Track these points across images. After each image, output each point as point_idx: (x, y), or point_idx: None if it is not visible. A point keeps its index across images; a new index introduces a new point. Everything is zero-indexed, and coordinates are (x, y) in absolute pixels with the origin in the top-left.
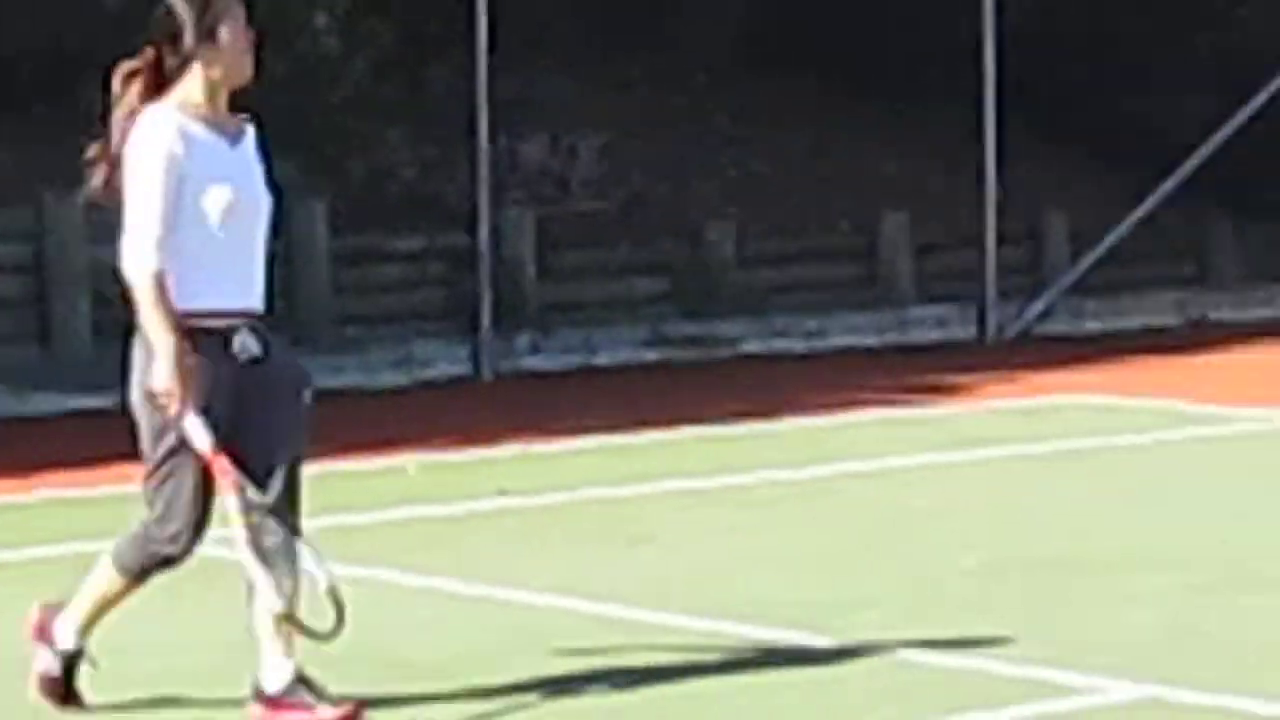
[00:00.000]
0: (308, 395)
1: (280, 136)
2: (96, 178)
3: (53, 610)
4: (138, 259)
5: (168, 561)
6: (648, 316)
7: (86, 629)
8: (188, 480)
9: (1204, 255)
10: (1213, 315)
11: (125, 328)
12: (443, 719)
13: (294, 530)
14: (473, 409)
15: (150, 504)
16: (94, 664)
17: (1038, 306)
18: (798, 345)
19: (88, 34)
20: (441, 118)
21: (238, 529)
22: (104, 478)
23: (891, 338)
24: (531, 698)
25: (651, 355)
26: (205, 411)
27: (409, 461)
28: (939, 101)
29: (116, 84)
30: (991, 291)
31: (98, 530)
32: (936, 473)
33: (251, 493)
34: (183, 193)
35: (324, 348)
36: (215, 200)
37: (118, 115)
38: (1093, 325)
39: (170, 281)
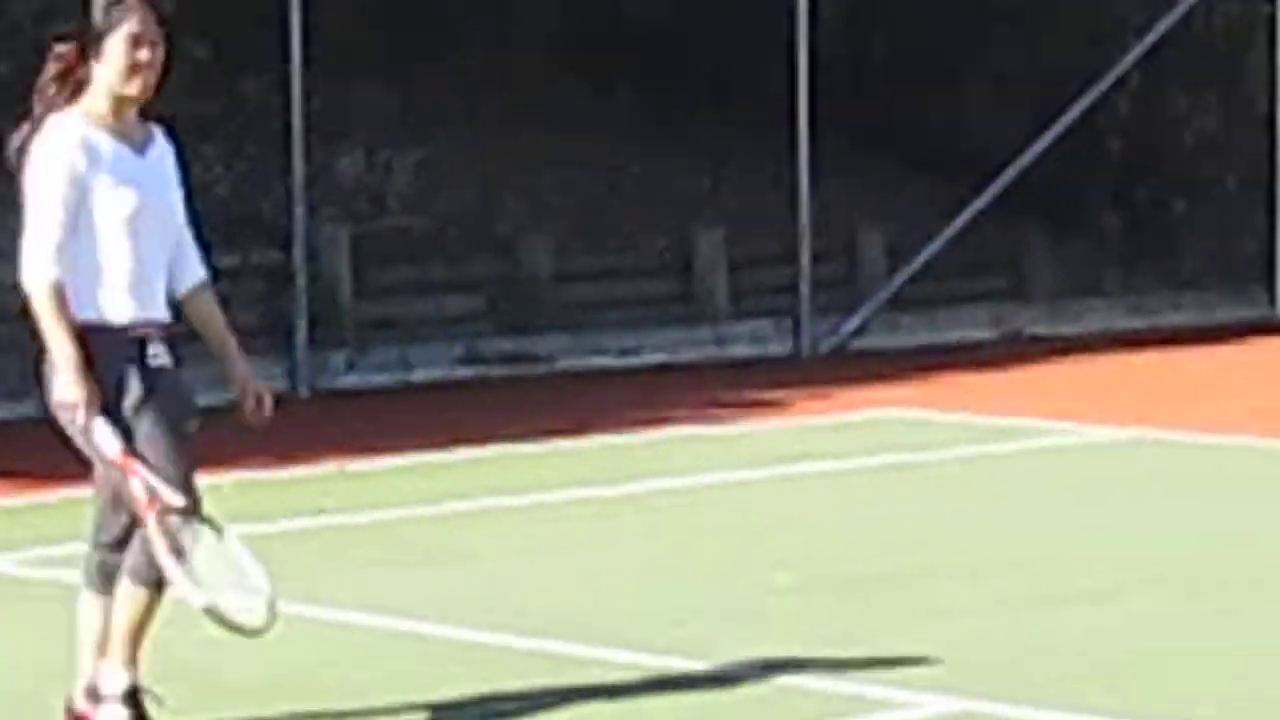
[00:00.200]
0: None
1: None
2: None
3: (88, 692)
4: (36, 269)
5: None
6: (463, 333)
7: (132, 662)
8: (154, 451)
9: (1019, 270)
10: (1028, 330)
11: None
12: None
13: (221, 527)
14: (289, 427)
15: (128, 505)
16: (158, 699)
17: (853, 322)
18: (613, 362)
19: None
20: (256, 133)
21: (151, 529)
22: None
23: (707, 353)
24: (343, 718)
25: (467, 372)
26: (114, 418)
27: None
28: (754, 117)
29: (50, 66)
30: (807, 307)
31: None
32: (751, 489)
33: (167, 495)
34: (87, 203)
35: None
36: (120, 209)
37: (37, 108)
38: (908, 340)
39: (72, 292)
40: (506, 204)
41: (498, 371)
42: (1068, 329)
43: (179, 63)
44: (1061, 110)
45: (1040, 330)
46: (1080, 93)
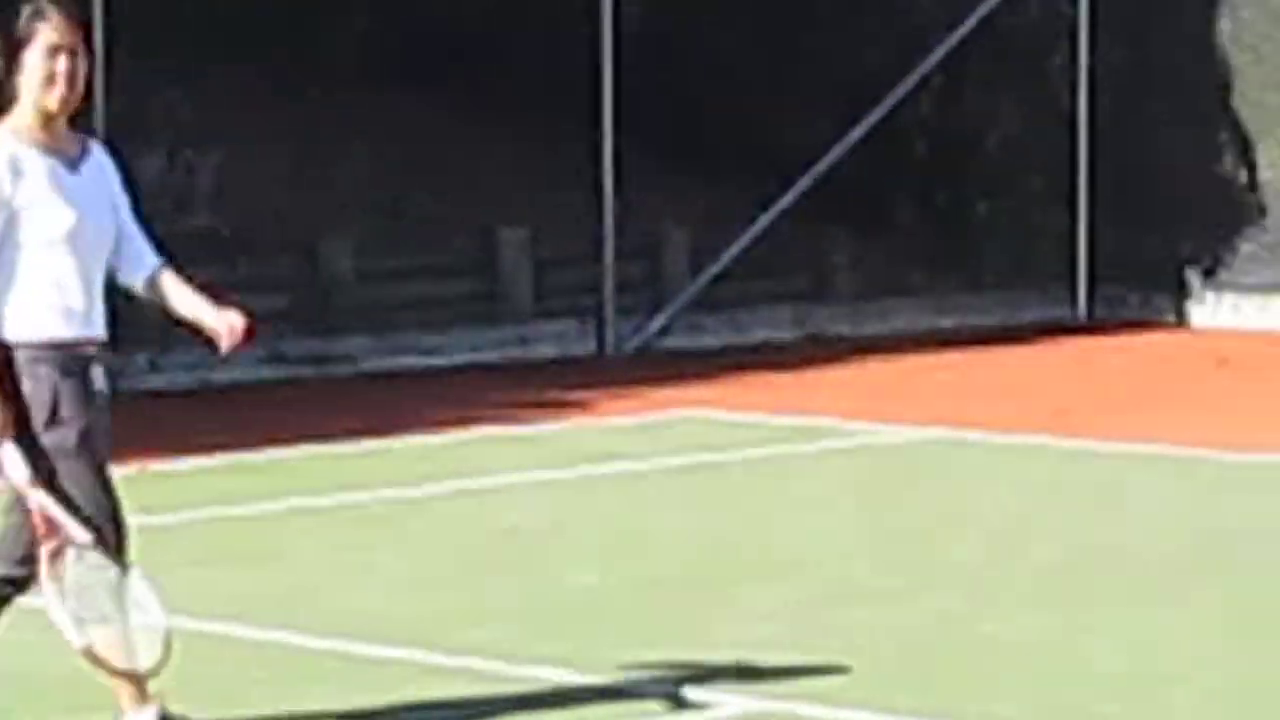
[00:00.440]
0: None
1: None
2: None
3: None
4: None
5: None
6: (266, 334)
7: (141, 696)
8: (85, 479)
9: (822, 270)
10: (830, 330)
11: None
12: None
13: (125, 567)
14: None
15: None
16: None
17: (657, 322)
18: (417, 362)
19: None
20: None
21: (43, 566)
22: None
23: (511, 354)
24: None
25: (271, 373)
26: (46, 432)
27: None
28: (558, 117)
29: None
30: (611, 307)
31: None
32: (554, 489)
33: (70, 529)
34: (18, 222)
35: None
36: (55, 227)
37: None
38: (711, 340)
39: (9, 311)
40: (309, 204)
41: (301, 372)
42: (870, 329)
43: None
44: (865, 111)
45: (843, 330)
46: (884, 94)
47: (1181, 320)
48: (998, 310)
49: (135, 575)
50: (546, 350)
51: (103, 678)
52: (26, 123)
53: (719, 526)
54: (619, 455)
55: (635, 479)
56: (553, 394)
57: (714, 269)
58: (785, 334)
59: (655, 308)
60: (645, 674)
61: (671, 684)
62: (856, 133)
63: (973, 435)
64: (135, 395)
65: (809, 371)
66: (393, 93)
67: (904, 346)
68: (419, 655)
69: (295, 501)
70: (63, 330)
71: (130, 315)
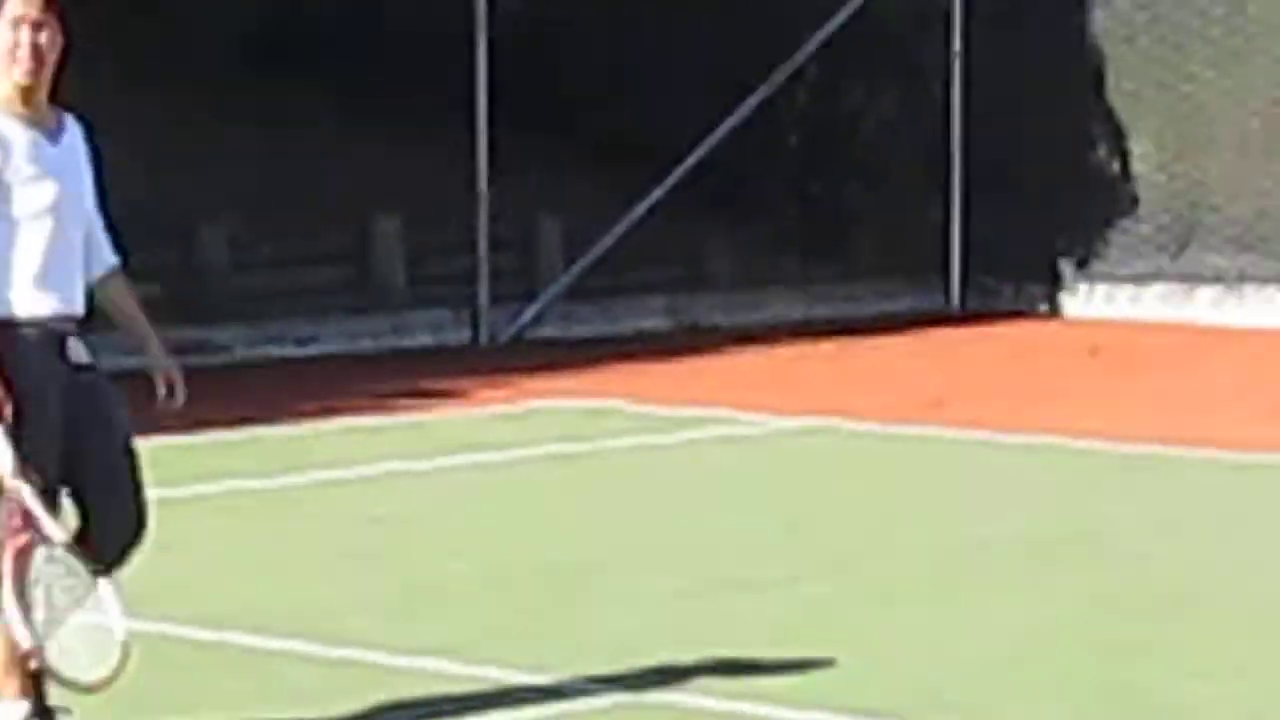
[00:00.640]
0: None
1: None
2: None
3: None
4: None
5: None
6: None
7: (26, 688)
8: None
9: (696, 260)
10: (704, 319)
11: None
12: None
13: (100, 571)
14: None
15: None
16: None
17: (530, 312)
18: (291, 351)
19: None
20: None
21: (6, 557)
22: None
23: (385, 343)
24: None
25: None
26: (43, 415)
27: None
28: (432, 106)
29: None
30: (485, 297)
31: None
32: (429, 479)
33: (47, 526)
34: (4, 195)
35: None
36: (38, 199)
37: None
38: (586, 330)
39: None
40: (182, 193)
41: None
42: (745, 319)
43: None
44: (740, 101)
45: (717, 320)
46: (759, 83)
47: (1055, 310)
48: (872, 300)
49: (103, 583)
50: (421, 339)
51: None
52: (5, 94)
53: (593, 516)
54: (493, 444)
55: (509, 468)
56: (427, 383)
57: (588, 259)
58: (659, 323)
59: (529, 297)
60: (519, 663)
61: (543, 673)
62: (731, 122)
63: (847, 425)
64: None
65: (683, 361)
66: (267, 81)
67: (778, 336)
68: (298, 646)
69: (165, 492)
70: (46, 305)
71: None
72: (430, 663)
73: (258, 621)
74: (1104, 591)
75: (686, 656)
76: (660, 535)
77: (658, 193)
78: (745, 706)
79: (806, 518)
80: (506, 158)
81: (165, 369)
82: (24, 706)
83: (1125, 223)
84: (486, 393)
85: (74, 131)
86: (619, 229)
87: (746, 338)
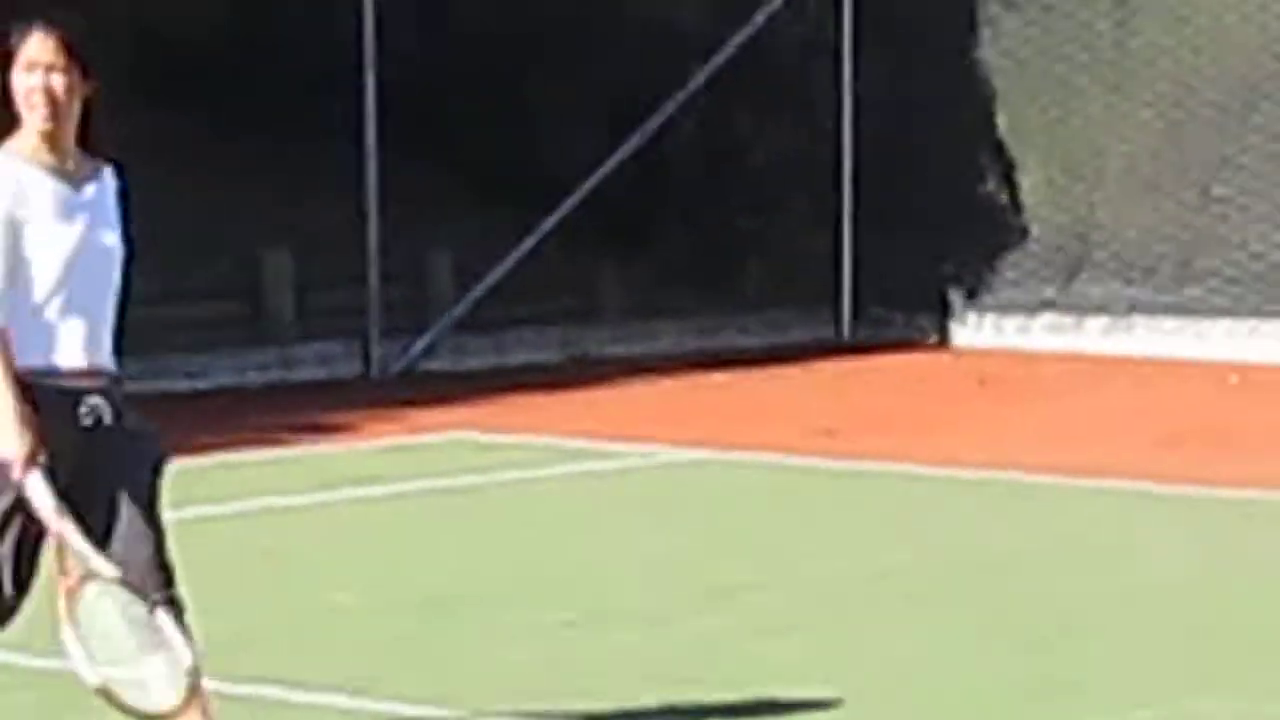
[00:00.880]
0: (160, 462)
1: None
2: None
3: None
4: None
5: None
6: None
7: None
8: (9, 538)
9: (588, 291)
10: (596, 351)
11: None
12: None
13: (157, 602)
14: None
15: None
16: None
17: (421, 344)
18: (180, 385)
19: None
20: None
21: (60, 600)
22: None
23: (276, 376)
24: None
25: None
26: (49, 475)
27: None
28: (322, 137)
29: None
30: (375, 329)
31: None
32: (318, 511)
33: (95, 562)
34: (22, 243)
35: None
36: (57, 251)
37: None
38: (477, 362)
39: (12, 339)
40: None
41: None
42: (637, 350)
43: None
44: (632, 132)
45: (609, 351)
46: (651, 114)
47: (944, 341)
48: (763, 331)
49: (160, 614)
50: (311, 372)
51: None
52: (31, 144)
53: (484, 548)
54: (384, 477)
55: (400, 501)
56: (317, 416)
57: (479, 291)
58: (551, 355)
59: (420, 330)
60: (413, 696)
61: (439, 706)
62: (621, 153)
63: (739, 456)
64: None
65: (575, 393)
66: (154, 113)
67: (670, 368)
68: None
69: None
70: (66, 359)
71: None
72: (325, 697)
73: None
74: (996, 622)
75: (577, 689)
76: (550, 567)
77: (548, 224)
78: None
79: (697, 549)
80: (397, 190)
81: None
82: None
83: (1014, 253)
84: (377, 425)
85: (104, 182)
86: (509, 261)
87: (637, 369)
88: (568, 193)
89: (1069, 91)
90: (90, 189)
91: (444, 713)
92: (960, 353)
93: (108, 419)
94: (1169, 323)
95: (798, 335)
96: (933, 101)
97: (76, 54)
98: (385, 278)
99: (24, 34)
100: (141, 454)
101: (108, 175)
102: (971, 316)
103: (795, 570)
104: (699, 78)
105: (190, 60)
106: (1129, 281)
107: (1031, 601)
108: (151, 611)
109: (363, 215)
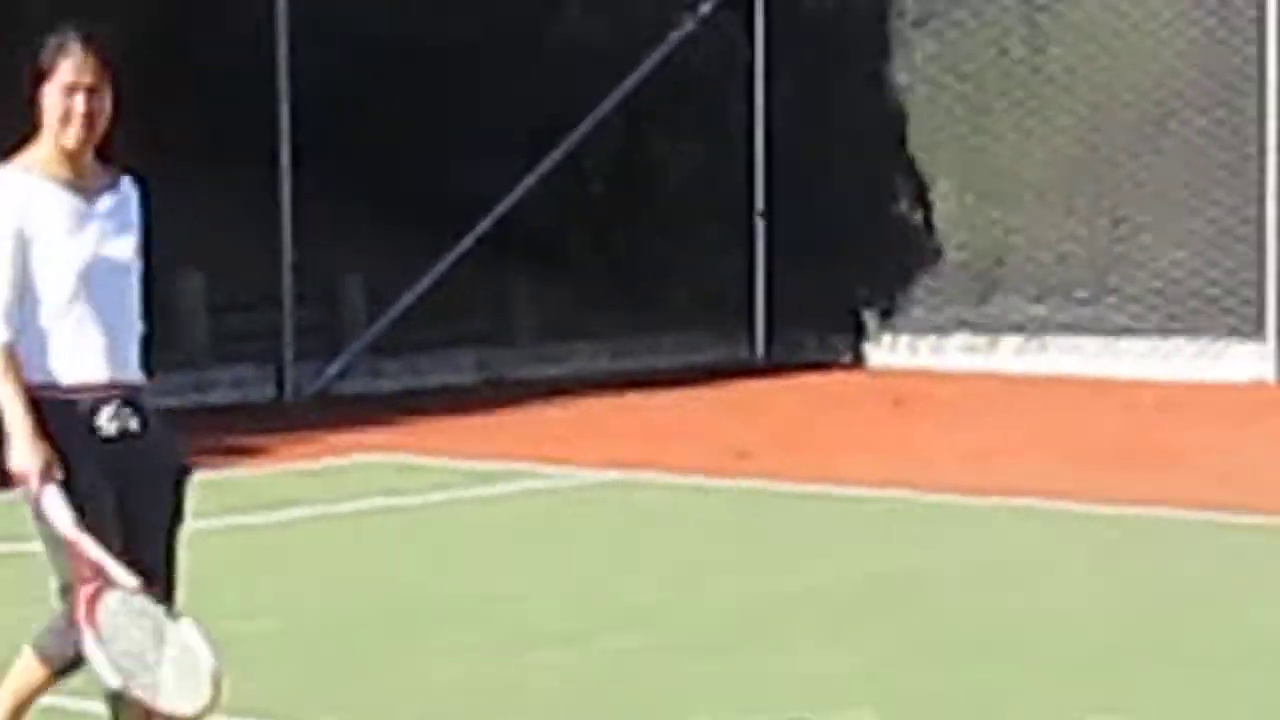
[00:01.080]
0: (185, 474)
1: None
2: None
3: None
4: None
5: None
6: None
7: None
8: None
9: (502, 313)
10: (510, 373)
11: None
12: None
13: (173, 613)
14: None
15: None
16: None
17: (335, 366)
18: None
19: None
20: None
21: (80, 608)
22: None
23: (189, 399)
24: None
25: None
26: (66, 491)
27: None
28: (235, 160)
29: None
30: (289, 352)
31: None
32: (233, 536)
33: (115, 573)
34: (32, 258)
35: None
36: (69, 264)
37: None
38: (392, 385)
39: (23, 353)
40: None
41: None
42: (551, 372)
43: None
44: (546, 154)
45: (524, 374)
46: (564, 136)
47: (859, 361)
48: (677, 352)
49: (184, 621)
50: (225, 396)
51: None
52: (45, 156)
53: (399, 571)
54: (298, 501)
55: (315, 524)
56: (231, 440)
57: (393, 313)
58: (466, 378)
59: (335, 352)
60: (328, 718)
61: None
62: (535, 175)
63: (653, 477)
64: None
65: (489, 415)
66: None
67: (584, 389)
68: (96, 706)
69: None
70: (80, 373)
71: None
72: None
73: (65, 683)
74: (912, 641)
75: (494, 711)
76: (467, 589)
77: (462, 246)
78: None
79: (613, 570)
80: (310, 213)
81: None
82: None
83: (928, 273)
84: (292, 449)
85: (123, 193)
86: (424, 283)
87: (552, 391)
88: (482, 214)
89: (981, 112)
90: (106, 200)
91: None
92: (874, 373)
93: (134, 427)
94: (1082, 342)
95: (712, 356)
96: (846, 122)
97: (111, 69)
98: (299, 300)
99: (61, 50)
100: (165, 465)
101: (125, 185)
102: (885, 337)
103: (710, 590)
104: (613, 99)
105: None
106: (1042, 301)
107: (945, 621)
108: (173, 619)
109: (276, 238)
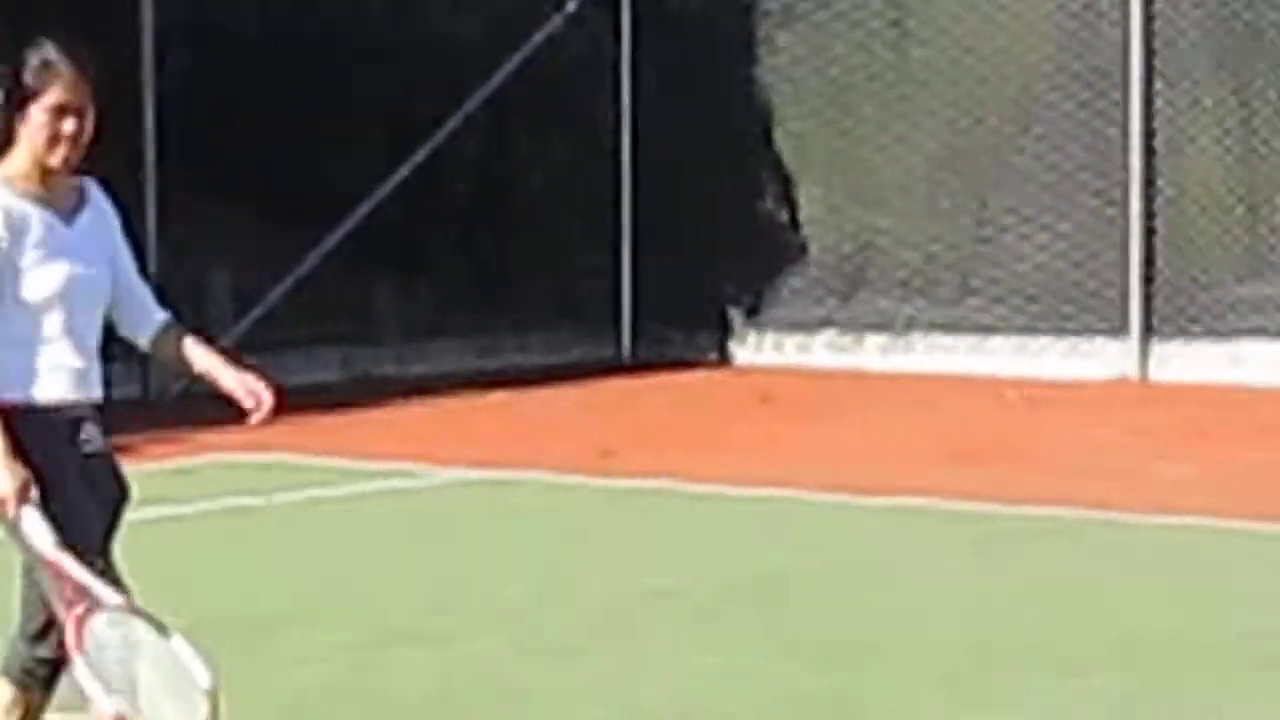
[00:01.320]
0: (127, 498)
1: None
2: None
3: None
4: None
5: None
6: None
7: None
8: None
9: (367, 312)
10: (375, 371)
11: None
12: None
13: (163, 630)
14: None
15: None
16: None
17: None
18: None
19: None
20: None
21: (69, 632)
22: None
23: None
24: None
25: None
26: (55, 502)
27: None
28: (100, 158)
29: None
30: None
31: None
32: None
33: (101, 592)
34: (11, 278)
35: None
36: (48, 285)
37: None
38: None
39: (5, 371)
40: None
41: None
42: (416, 370)
43: None
44: (411, 152)
45: (389, 372)
46: (430, 134)
47: (725, 359)
48: (543, 350)
49: (175, 637)
50: None
51: None
52: (22, 172)
53: (263, 570)
54: (162, 499)
55: (179, 523)
56: None
57: (258, 311)
58: (331, 376)
59: None
60: None
61: None
62: (400, 174)
63: (519, 476)
64: None
65: (355, 413)
66: None
67: (450, 388)
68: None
69: None
70: (58, 391)
71: None
72: None
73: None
74: (781, 640)
75: (360, 711)
76: (331, 588)
77: (327, 245)
78: None
79: (478, 569)
80: (175, 211)
81: (247, 388)
82: None
83: (794, 271)
84: (156, 447)
85: (95, 206)
86: (289, 282)
87: (417, 389)
88: (348, 213)
89: (846, 110)
90: (83, 219)
91: None
92: (741, 371)
93: (100, 446)
94: (947, 339)
95: (578, 355)
96: (711, 120)
97: (94, 87)
98: (164, 298)
99: (49, 70)
100: (121, 487)
101: (94, 195)
102: (751, 335)
103: (575, 589)
104: (478, 97)
105: None
106: (908, 299)
107: (810, 620)
108: (163, 637)
109: (141, 236)
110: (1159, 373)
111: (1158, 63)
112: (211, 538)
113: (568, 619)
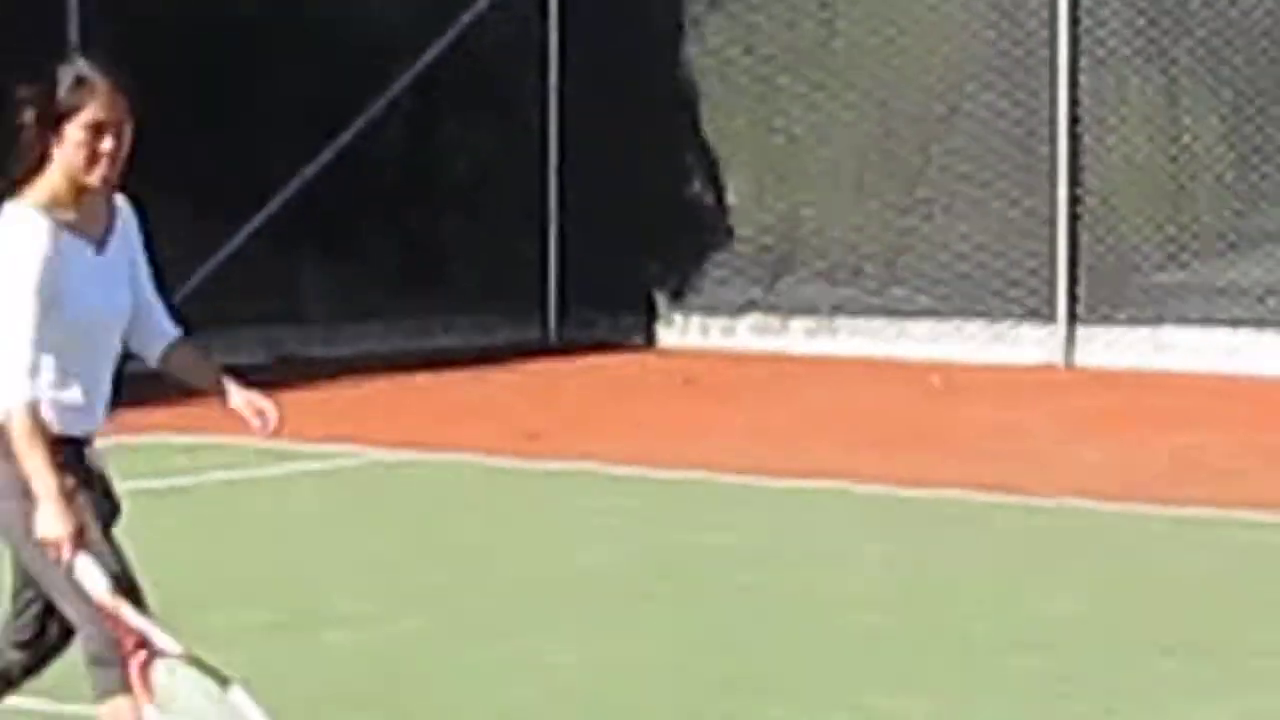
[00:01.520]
0: (119, 514)
1: None
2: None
3: None
4: (10, 389)
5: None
6: None
7: None
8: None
9: (292, 293)
10: (301, 353)
11: None
12: None
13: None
14: None
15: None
16: None
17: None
18: None
19: None
20: None
21: (134, 680)
22: None
23: None
24: None
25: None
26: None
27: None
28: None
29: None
30: None
31: None
32: None
33: (159, 640)
34: (43, 310)
35: None
36: (82, 315)
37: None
38: None
39: (43, 408)
40: None
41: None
42: (341, 352)
43: None
44: (338, 134)
45: (314, 353)
46: (357, 116)
47: (650, 342)
48: (469, 333)
49: (235, 689)
50: None
51: None
52: (58, 195)
53: (185, 551)
54: None
55: None
56: None
57: (184, 291)
58: (257, 357)
59: None
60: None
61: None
62: (325, 155)
63: (444, 458)
64: None
65: (279, 394)
66: None
67: (375, 369)
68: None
69: None
70: (78, 423)
71: None
72: (27, 702)
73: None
74: (704, 624)
75: (280, 692)
76: (253, 569)
77: (251, 225)
78: None
79: (402, 551)
80: None
81: (254, 407)
82: None
83: (720, 254)
84: None
85: (123, 224)
86: (213, 262)
87: (343, 370)
88: (274, 194)
89: (774, 92)
90: (113, 242)
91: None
92: (666, 354)
93: (101, 464)
94: (873, 323)
95: (504, 336)
96: (639, 103)
97: (131, 103)
98: None
99: (85, 87)
100: (114, 504)
101: (124, 213)
102: (677, 318)
103: (498, 571)
104: (404, 79)
105: None
106: (834, 283)
107: (730, 602)
108: (224, 687)
109: None
110: (1084, 358)
111: (1083, 49)
112: (135, 519)
113: (491, 601)
